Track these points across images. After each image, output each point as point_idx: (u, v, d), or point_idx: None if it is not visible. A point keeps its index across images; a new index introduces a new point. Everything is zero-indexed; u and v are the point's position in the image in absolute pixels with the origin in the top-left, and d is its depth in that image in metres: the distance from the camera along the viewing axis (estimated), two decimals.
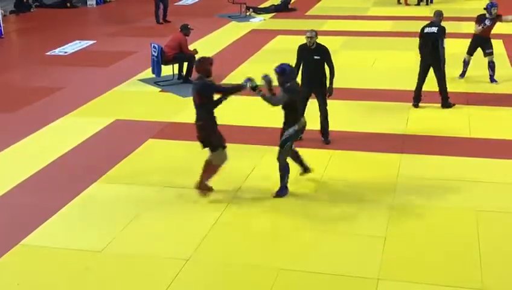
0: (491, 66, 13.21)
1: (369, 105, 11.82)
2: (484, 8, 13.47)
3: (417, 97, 11.71)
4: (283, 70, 8.10)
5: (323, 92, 9.89)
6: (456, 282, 6.47)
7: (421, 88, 11.66)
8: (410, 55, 15.27)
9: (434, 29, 11.50)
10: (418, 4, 22.78)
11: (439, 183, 8.64)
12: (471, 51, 13.46)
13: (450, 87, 12.80)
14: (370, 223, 7.61)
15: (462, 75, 13.53)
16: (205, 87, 8.20)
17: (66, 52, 16.64)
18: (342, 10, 21.95)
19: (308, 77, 9.87)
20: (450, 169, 9.08)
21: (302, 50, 9.96)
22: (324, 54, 9.80)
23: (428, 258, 6.87)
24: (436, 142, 10.05)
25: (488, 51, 13.21)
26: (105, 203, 8.45)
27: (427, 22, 11.86)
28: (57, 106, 12.07)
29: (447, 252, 6.98)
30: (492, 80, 13.21)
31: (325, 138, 10.08)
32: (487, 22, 13.08)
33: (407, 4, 22.84)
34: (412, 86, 13.03)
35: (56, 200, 8.30)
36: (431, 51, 11.42)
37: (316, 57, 9.79)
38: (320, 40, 18.22)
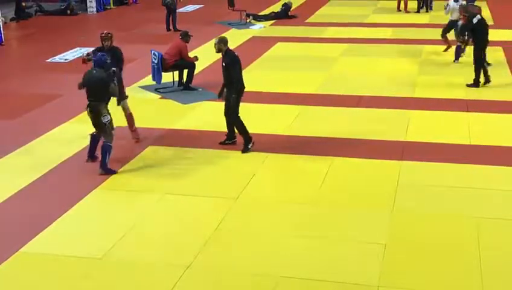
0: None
1: (369, 112, 11.83)
2: None
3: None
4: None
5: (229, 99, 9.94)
6: (456, 289, 6.46)
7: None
8: (410, 62, 15.32)
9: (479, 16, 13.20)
10: (418, 11, 22.82)
11: (439, 190, 8.64)
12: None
13: (451, 94, 12.87)
14: (370, 230, 7.60)
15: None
16: None
17: (66, 59, 16.66)
18: (342, 17, 22.00)
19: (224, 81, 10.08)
20: (450, 176, 9.07)
21: None
22: (228, 61, 9.85)
23: (428, 265, 6.86)
24: (436, 149, 10.04)
25: None
26: (105, 210, 8.45)
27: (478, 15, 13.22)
28: (57, 113, 12.08)
29: (447, 259, 6.97)
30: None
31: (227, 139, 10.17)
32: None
33: (407, 11, 22.87)
34: (412, 93, 13.11)
35: (56, 207, 8.29)
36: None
37: (223, 64, 9.92)
38: (320, 47, 18.26)
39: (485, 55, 13.31)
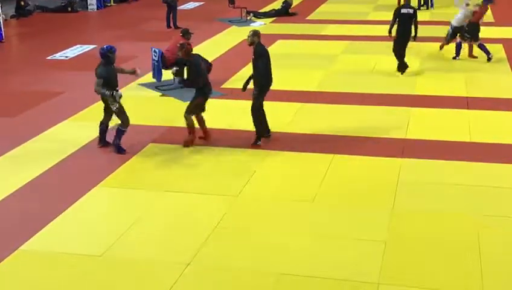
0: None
1: (369, 109, 11.83)
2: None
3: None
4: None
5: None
6: (456, 287, 6.46)
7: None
8: (410, 60, 15.29)
9: (410, 10, 13.73)
10: (419, 9, 22.74)
11: (440, 187, 8.64)
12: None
13: (451, 92, 12.86)
14: (370, 228, 7.61)
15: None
16: None
17: (66, 57, 16.65)
18: (343, 15, 21.97)
19: None
20: (451, 174, 9.08)
21: None
22: (256, 53, 10.02)
23: (428, 263, 6.87)
24: (437, 147, 10.04)
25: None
26: (106, 207, 8.46)
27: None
28: (57, 111, 12.08)
29: (448, 257, 6.97)
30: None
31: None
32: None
33: None
34: (412, 91, 13.09)
35: (56, 204, 8.29)
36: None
37: (253, 56, 10.09)
38: (321, 44, 18.20)
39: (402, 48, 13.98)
